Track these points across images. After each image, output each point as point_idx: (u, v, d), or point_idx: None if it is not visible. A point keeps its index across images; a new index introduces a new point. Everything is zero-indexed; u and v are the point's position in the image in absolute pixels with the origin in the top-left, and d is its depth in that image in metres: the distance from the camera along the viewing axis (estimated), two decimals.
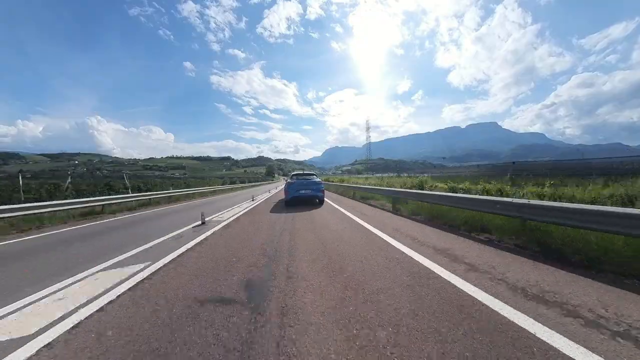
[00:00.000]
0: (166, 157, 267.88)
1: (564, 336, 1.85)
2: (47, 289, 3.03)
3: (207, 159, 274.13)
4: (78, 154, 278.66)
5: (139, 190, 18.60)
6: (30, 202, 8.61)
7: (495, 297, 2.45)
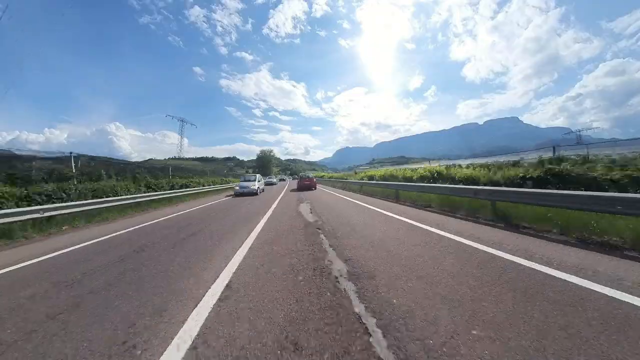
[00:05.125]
0: (168, 159, 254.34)
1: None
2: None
3: (211, 160, 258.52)
4: (83, 156, 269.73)
5: None
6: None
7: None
